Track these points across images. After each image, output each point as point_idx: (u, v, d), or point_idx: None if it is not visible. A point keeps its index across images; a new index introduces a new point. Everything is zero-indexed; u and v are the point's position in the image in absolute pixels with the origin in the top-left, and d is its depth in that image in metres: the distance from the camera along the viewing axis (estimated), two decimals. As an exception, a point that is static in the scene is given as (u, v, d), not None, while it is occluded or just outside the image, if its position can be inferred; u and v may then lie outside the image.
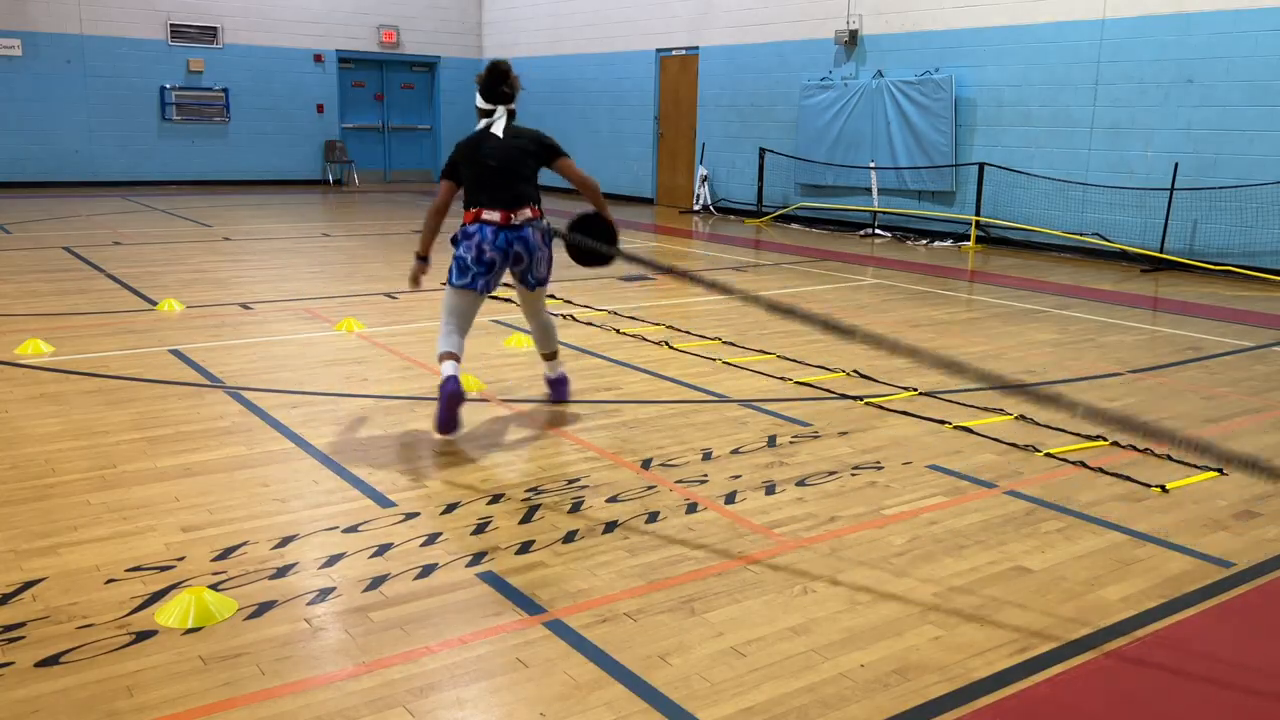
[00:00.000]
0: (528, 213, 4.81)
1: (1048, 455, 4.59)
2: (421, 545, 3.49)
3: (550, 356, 5.26)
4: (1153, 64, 11.11)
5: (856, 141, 14.13)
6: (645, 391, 5.58)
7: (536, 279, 4.94)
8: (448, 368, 4.70)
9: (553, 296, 8.35)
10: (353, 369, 5.91)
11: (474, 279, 4.76)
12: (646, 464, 4.37)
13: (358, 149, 20.65)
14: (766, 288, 9.20)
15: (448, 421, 4.65)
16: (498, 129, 4.84)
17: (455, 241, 4.84)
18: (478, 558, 3.40)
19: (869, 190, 13.96)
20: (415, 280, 4.99)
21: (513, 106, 4.93)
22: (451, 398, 4.62)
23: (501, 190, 4.76)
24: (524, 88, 5.11)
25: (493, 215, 4.74)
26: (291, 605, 3.05)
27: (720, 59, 16.31)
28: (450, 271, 4.82)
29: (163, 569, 3.27)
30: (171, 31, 18.28)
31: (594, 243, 4.79)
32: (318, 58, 19.81)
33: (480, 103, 4.89)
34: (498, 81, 4.85)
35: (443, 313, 4.88)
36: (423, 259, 4.96)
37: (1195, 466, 4.47)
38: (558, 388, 5.33)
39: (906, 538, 3.66)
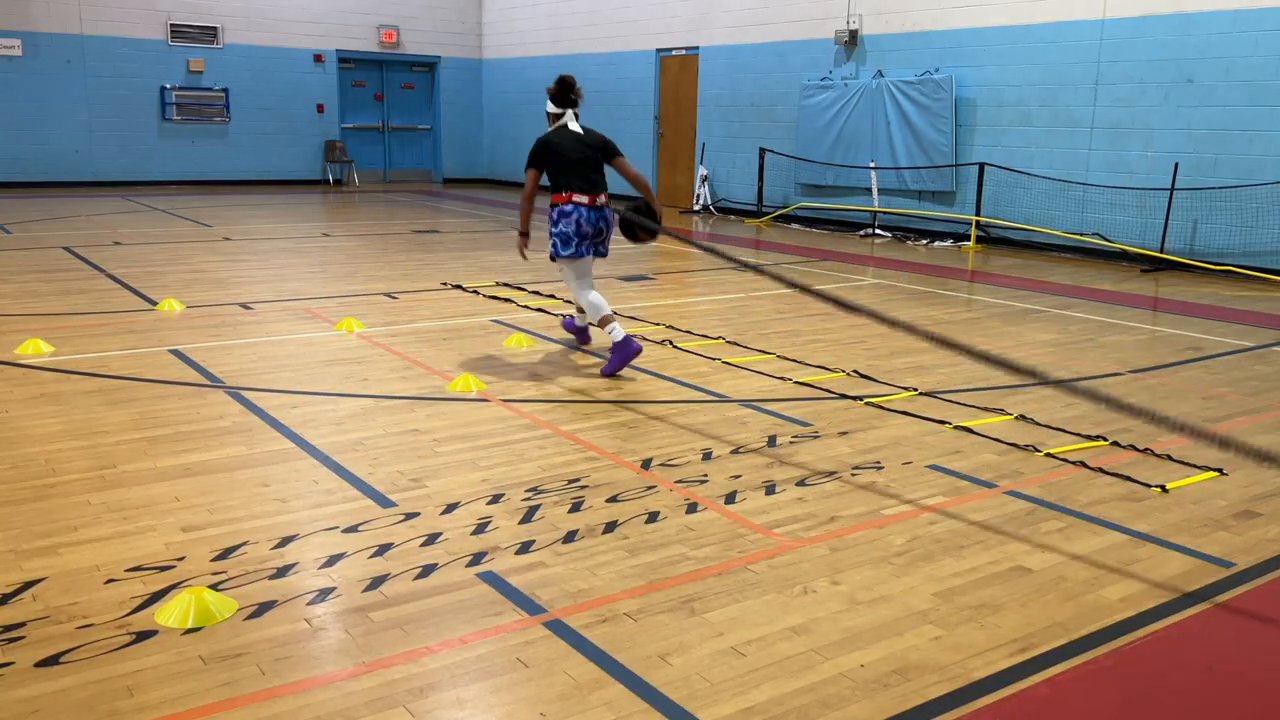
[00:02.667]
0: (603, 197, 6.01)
1: (1048, 455, 4.59)
2: (421, 545, 3.49)
3: (606, 321, 5.97)
4: (1153, 64, 11.11)
5: (856, 141, 14.13)
6: (645, 391, 5.58)
7: (605, 252, 6.17)
8: (617, 331, 5.81)
9: (552, 297, 8.35)
10: (353, 369, 5.91)
11: (578, 248, 5.91)
12: (646, 464, 4.37)
13: (358, 149, 20.66)
14: (767, 288, 9.19)
15: (618, 367, 5.80)
16: (575, 127, 6.10)
17: (553, 221, 5.95)
18: (478, 558, 3.40)
19: (869, 190, 13.96)
20: (522, 252, 6.33)
21: (578, 110, 6.18)
22: (630, 355, 5.75)
23: (588, 177, 5.95)
24: (583, 95, 6.29)
25: (582, 198, 5.91)
26: (291, 605, 3.05)
27: (720, 59, 16.31)
28: (554, 246, 5.93)
29: (163, 569, 3.27)
30: (171, 31, 18.29)
31: (648, 222, 5.97)
32: (318, 58, 19.81)
33: (552, 107, 6.16)
34: (567, 90, 6.14)
35: (571, 281, 6.06)
36: (525, 235, 6.23)
37: (1195, 466, 4.47)
38: (623, 348, 5.86)
39: (906, 538, 3.66)
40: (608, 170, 6.11)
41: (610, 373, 5.80)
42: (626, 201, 6.08)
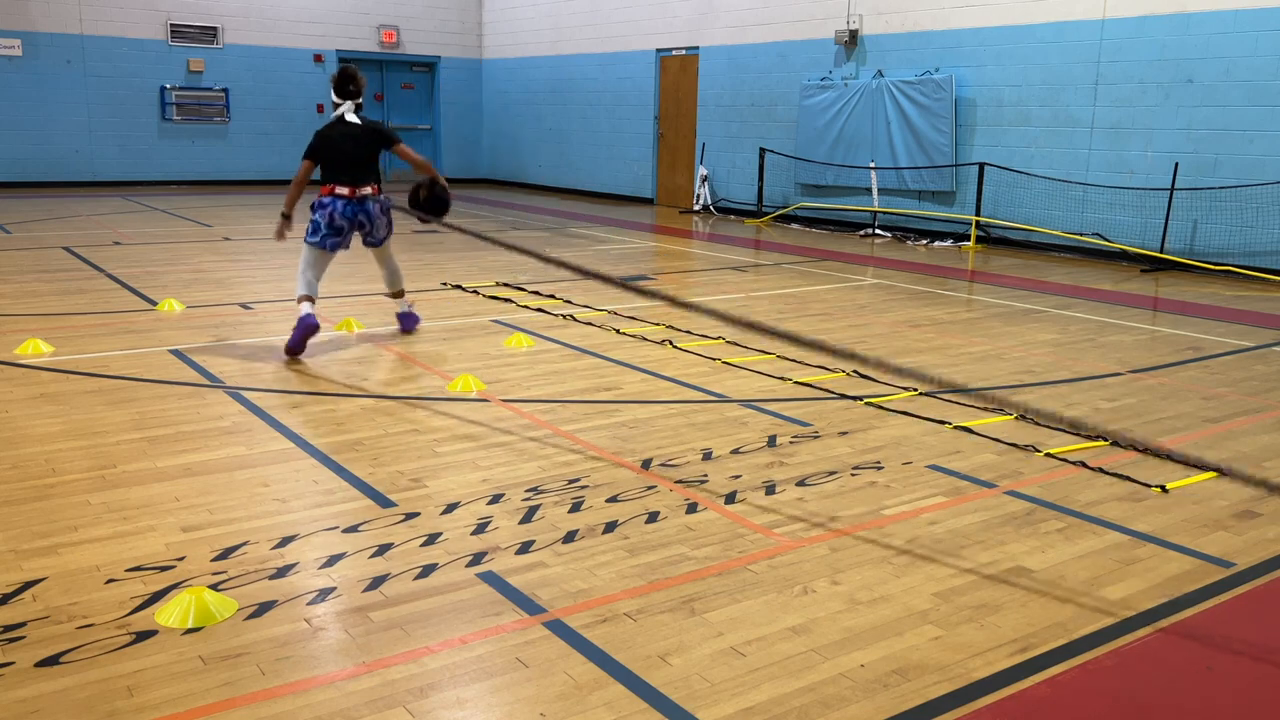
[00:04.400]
0: (368, 190, 6.24)
1: (1048, 455, 4.59)
2: (421, 545, 3.49)
3: (398, 295, 6.75)
4: (1153, 64, 11.11)
5: (856, 141, 14.13)
6: (645, 391, 5.58)
7: (379, 239, 6.45)
8: (305, 307, 6.09)
9: (552, 296, 8.35)
10: (352, 369, 5.91)
11: (324, 239, 6.17)
12: (646, 464, 4.37)
13: (358, 149, 20.63)
14: (767, 288, 9.20)
15: (298, 345, 5.97)
16: (351, 118, 6.27)
17: (313, 208, 6.24)
18: (478, 558, 3.40)
19: (869, 190, 13.96)
20: (280, 232, 6.26)
21: (359, 101, 6.33)
22: (307, 330, 5.98)
23: (353, 169, 6.20)
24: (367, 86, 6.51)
25: (343, 190, 6.17)
26: (291, 605, 3.05)
27: (720, 59, 16.31)
28: (308, 229, 6.23)
29: (163, 569, 3.27)
30: (171, 31, 18.28)
31: (420, 212, 6.33)
32: (318, 58, 19.81)
33: (334, 98, 6.30)
34: (347, 81, 6.28)
35: (302, 263, 6.27)
36: (286, 217, 6.27)
37: (1195, 466, 4.47)
38: (406, 321, 6.76)
39: (906, 538, 3.66)
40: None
41: (291, 346, 6.01)
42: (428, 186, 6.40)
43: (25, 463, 4.22)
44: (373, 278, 9.23)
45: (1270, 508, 4.04)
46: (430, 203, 6.39)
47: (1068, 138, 11.97)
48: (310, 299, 6.14)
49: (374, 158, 6.28)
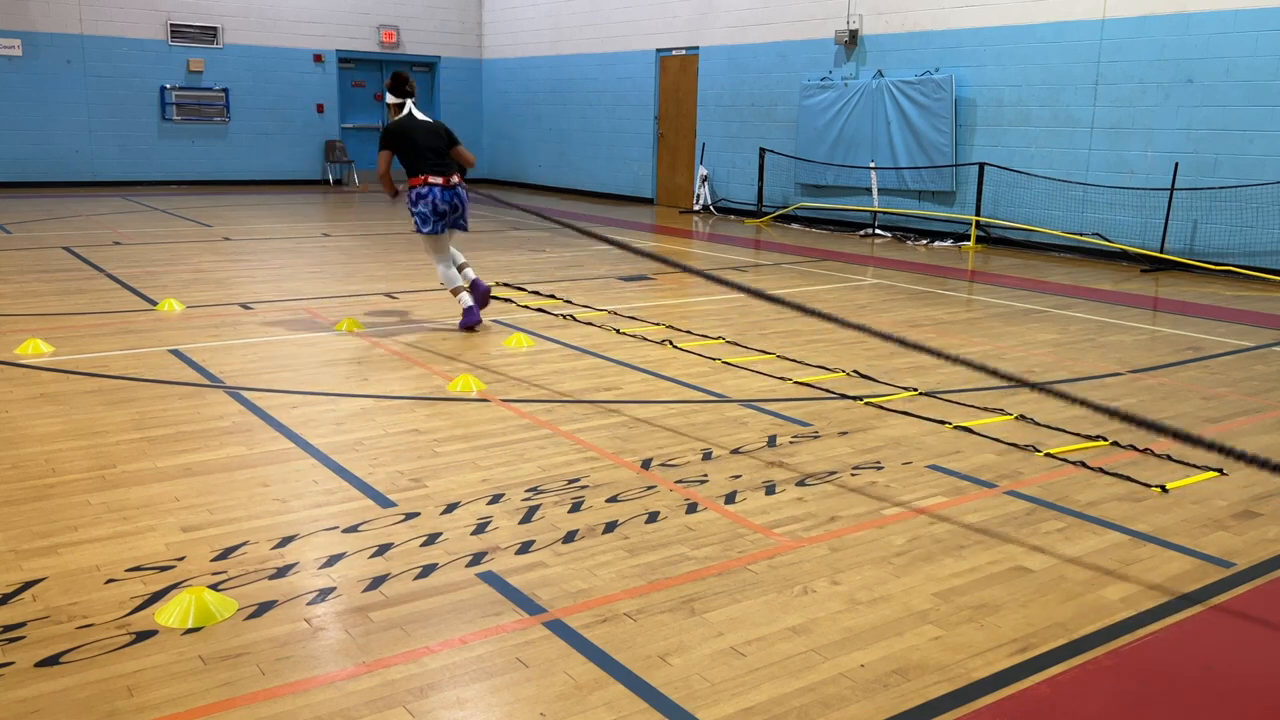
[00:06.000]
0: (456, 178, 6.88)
1: (1048, 455, 4.59)
2: (421, 545, 3.49)
3: (457, 292, 7.07)
4: (1153, 64, 11.11)
5: (856, 141, 14.13)
6: (645, 391, 5.58)
7: (467, 224, 7.06)
8: (465, 299, 6.97)
9: (552, 296, 8.36)
10: (353, 369, 5.91)
11: (435, 224, 6.79)
12: (646, 464, 4.37)
13: (358, 149, 20.64)
14: (767, 288, 9.19)
15: (474, 316, 6.92)
16: (420, 115, 6.92)
17: (411, 201, 6.82)
18: (478, 558, 3.40)
19: (869, 190, 13.96)
20: (394, 188, 6.97)
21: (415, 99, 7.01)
22: (474, 324, 6.92)
23: (439, 161, 6.82)
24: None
25: (437, 179, 6.76)
26: (291, 605, 3.05)
27: (720, 59, 16.31)
28: (416, 223, 6.84)
29: (163, 569, 3.27)
30: (171, 31, 18.28)
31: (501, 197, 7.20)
32: (318, 58, 19.81)
33: (392, 99, 6.92)
34: (402, 82, 6.92)
35: (431, 255, 7.04)
36: (395, 193, 6.99)
37: (1195, 466, 4.47)
38: (468, 315, 6.99)
39: (906, 538, 3.66)
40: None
41: (465, 326, 6.90)
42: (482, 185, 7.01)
43: (25, 463, 4.22)
44: (373, 277, 9.26)
45: (1270, 508, 4.04)
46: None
47: (1068, 138, 11.97)
48: (463, 288, 6.99)
49: (448, 150, 6.88)
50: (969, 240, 12.78)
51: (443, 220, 6.79)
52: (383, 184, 6.86)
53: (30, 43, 17.13)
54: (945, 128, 13.02)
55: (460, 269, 7.18)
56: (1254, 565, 3.51)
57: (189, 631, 2.88)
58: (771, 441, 4.73)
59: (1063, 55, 11.91)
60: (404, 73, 6.98)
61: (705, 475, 4.25)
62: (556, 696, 2.60)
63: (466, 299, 6.93)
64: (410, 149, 6.75)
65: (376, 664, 2.74)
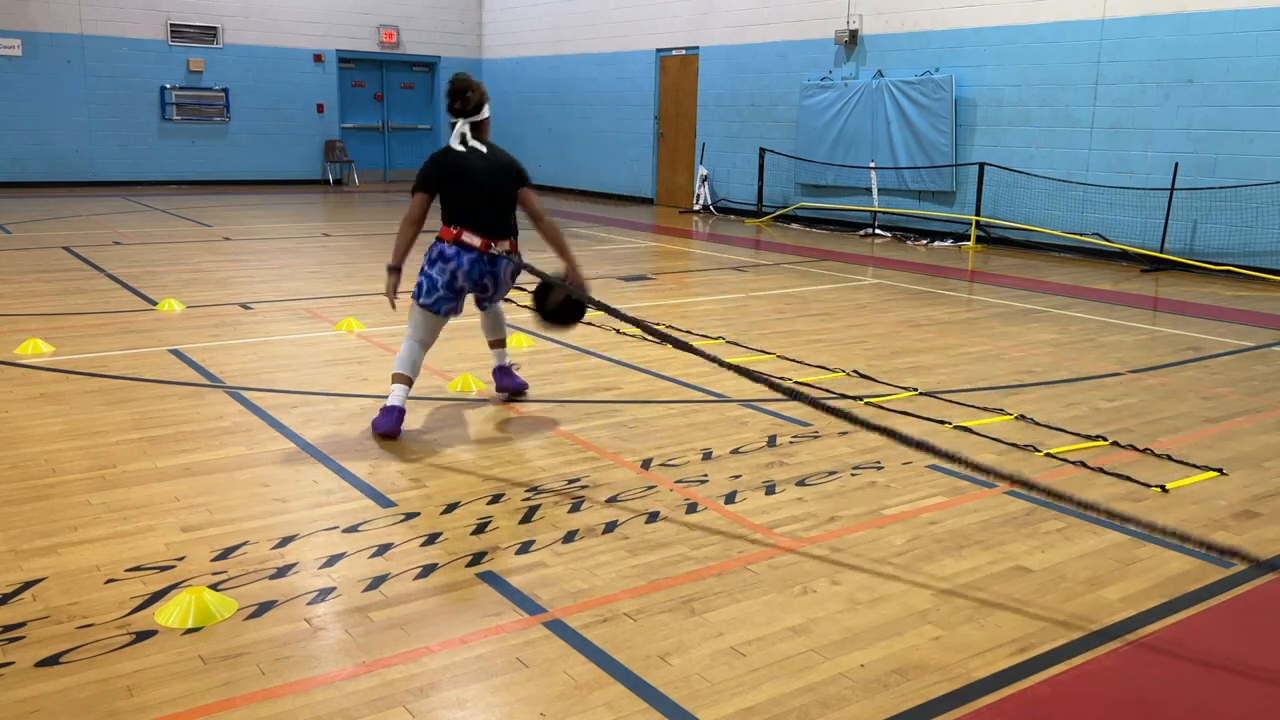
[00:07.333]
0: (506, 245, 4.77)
1: (1048, 455, 4.59)
2: (421, 545, 3.49)
3: (499, 344, 5.31)
4: (1153, 64, 11.11)
5: (856, 141, 14.13)
6: (645, 391, 5.58)
7: (494, 302, 5.08)
8: (397, 392, 4.68)
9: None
10: (353, 369, 5.91)
11: (438, 303, 4.74)
12: (646, 464, 4.37)
13: (358, 149, 20.65)
14: (767, 288, 9.19)
15: (390, 430, 4.59)
16: (475, 143, 4.74)
17: (428, 259, 4.78)
18: (478, 558, 3.40)
19: (869, 190, 13.96)
20: (391, 296, 4.82)
21: (479, 119, 4.76)
22: (395, 418, 4.60)
23: (488, 212, 4.70)
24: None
25: (474, 239, 4.68)
26: (291, 605, 3.05)
27: (720, 59, 16.31)
28: (418, 286, 4.79)
29: (163, 569, 3.27)
30: (171, 31, 18.28)
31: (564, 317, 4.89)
32: (318, 58, 19.81)
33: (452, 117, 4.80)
34: (455, 96, 4.71)
35: (411, 327, 4.84)
36: (396, 270, 4.79)
37: (1195, 466, 4.47)
38: (505, 378, 5.32)
39: (906, 538, 3.66)
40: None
41: (380, 430, 4.60)
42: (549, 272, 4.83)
43: (25, 463, 4.22)
44: (373, 277, 9.24)
45: (1270, 508, 4.04)
46: (565, 310, 4.87)
47: (1068, 138, 11.97)
48: (408, 380, 4.71)
49: (511, 201, 4.75)
50: (969, 240, 12.78)
51: (456, 300, 4.77)
52: (397, 241, 4.72)
53: (30, 43, 17.13)
54: (945, 128, 13.01)
55: (494, 345, 5.30)
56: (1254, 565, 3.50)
57: (189, 631, 2.88)
58: (771, 441, 4.73)
59: (1062, 55, 11.90)
60: (464, 79, 4.71)
61: (705, 475, 4.25)
62: (556, 696, 2.60)
63: (398, 394, 4.66)
64: (449, 190, 4.67)
65: (376, 664, 2.74)
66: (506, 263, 4.77)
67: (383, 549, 3.46)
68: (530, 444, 4.62)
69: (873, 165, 13.82)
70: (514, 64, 20.76)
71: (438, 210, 4.78)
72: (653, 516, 3.79)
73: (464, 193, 4.66)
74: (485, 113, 4.76)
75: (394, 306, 4.93)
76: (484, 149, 4.74)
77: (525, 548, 3.49)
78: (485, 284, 4.79)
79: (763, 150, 15.26)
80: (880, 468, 4.40)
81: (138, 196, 16.59)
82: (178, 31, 18.34)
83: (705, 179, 16.50)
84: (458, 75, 4.77)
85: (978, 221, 12.66)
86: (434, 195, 4.71)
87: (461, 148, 4.70)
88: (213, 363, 5.95)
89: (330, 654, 2.78)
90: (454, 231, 4.68)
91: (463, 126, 4.71)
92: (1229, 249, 10.68)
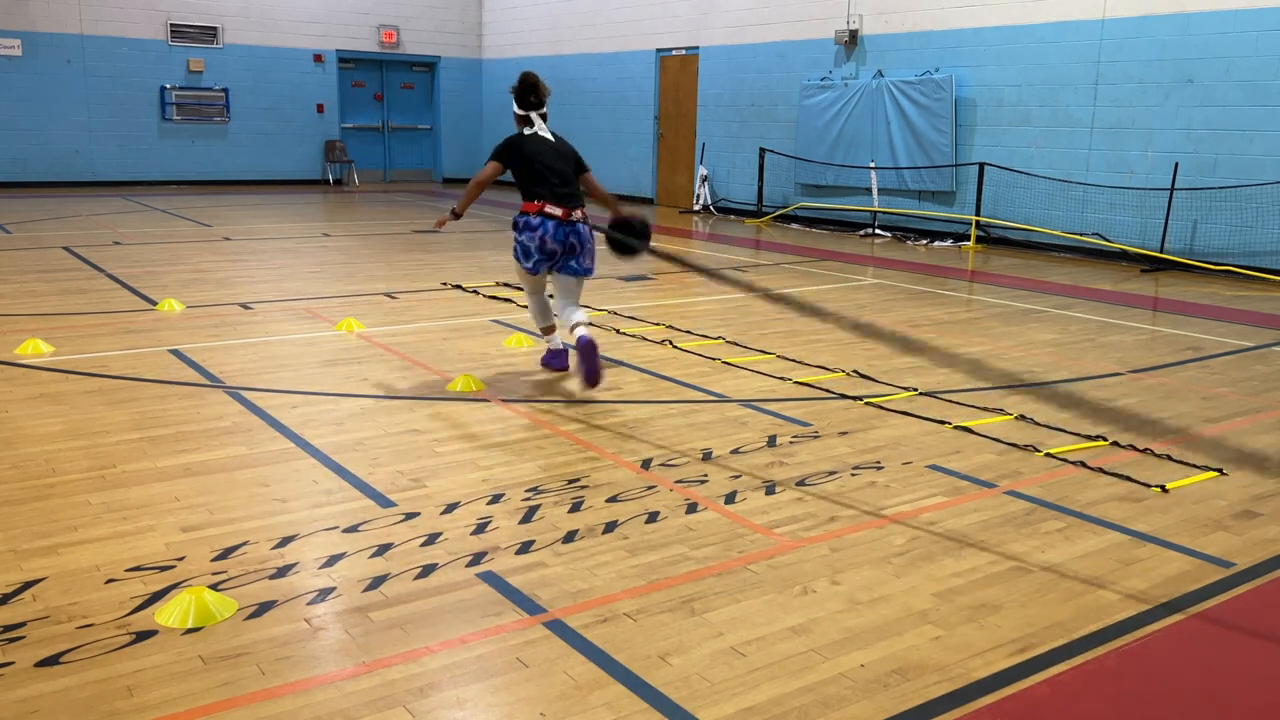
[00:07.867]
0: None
1: (1048, 455, 4.59)
2: (421, 545, 3.49)
3: (550, 330, 6.00)
4: (1153, 64, 11.11)
5: (856, 141, 14.13)
6: (645, 391, 5.58)
7: (587, 268, 5.64)
8: (555, 341, 5.89)
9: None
10: (353, 369, 5.91)
11: (535, 264, 5.53)
12: (646, 464, 4.37)
13: (358, 149, 20.66)
14: (767, 288, 9.19)
15: (592, 374, 5.28)
16: (545, 133, 5.61)
17: (517, 227, 5.56)
18: (478, 558, 3.40)
19: (869, 190, 13.96)
20: (440, 222, 5.72)
21: (544, 112, 5.67)
22: (572, 355, 5.61)
23: (563, 189, 5.51)
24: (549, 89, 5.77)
25: (555, 210, 5.45)
26: (291, 605, 3.05)
27: (720, 59, 16.31)
28: (515, 252, 5.63)
29: (163, 569, 3.27)
30: (171, 31, 18.28)
31: (632, 239, 5.59)
32: (318, 58, 19.81)
33: (518, 109, 5.63)
34: (528, 91, 5.58)
35: (525, 289, 5.93)
36: (457, 215, 5.66)
37: (1195, 466, 4.47)
38: (556, 360, 5.96)
39: (906, 538, 3.66)
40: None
41: (545, 363, 5.90)
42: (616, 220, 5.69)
43: (25, 463, 4.22)
44: (373, 277, 9.24)
45: (1270, 508, 4.05)
46: (637, 231, 5.65)
47: (1068, 138, 11.97)
48: (551, 329, 5.90)
49: (576, 179, 5.62)
50: (969, 240, 12.78)
51: (549, 261, 5.48)
52: (467, 192, 5.47)
53: (30, 43, 17.13)
54: (945, 128, 13.02)
55: (571, 325, 5.56)
56: (1254, 565, 3.51)
57: (189, 631, 2.88)
58: (771, 441, 4.73)
59: (1062, 55, 11.91)
60: (532, 76, 5.58)
61: (705, 475, 4.25)
62: (556, 696, 2.60)
63: (557, 341, 5.88)
64: (528, 169, 5.45)
65: (376, 664, 2.74)
66: (584, 225, 5.58)
67: (383, 549, 3.46)
68: (530, 444, 4.62)
69: (873, 165, 13.82)
70: (514, 64, 20.74)
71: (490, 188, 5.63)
72: (653, 516, 3.79)
73: (544, 171, 5.46)
74: (546, 106, 5.70)
75: (438, 229, 5.94)
76: (551, 137, 5.61)
77: (525, 548, 3.49)
78: (572, 244, 5.50)
79: (763, 150, 15.27)
80: (880, 468, 4.40)
81: (138, 196, 16.59)
82: (178, 31, 18.34)
83: (705, 179, 16.50)
84: (529, 73, 5.65)
85: (978, 221, 12.66)
86: (506, 167, 5.53)
87: (538, 133, 5.58)
88: (213, 363, 5.95)
89: (330, 654, 2.78)
90: (536, 205, 5.45)
91: (535, 116, 5.60)
92: (1229, 249, 10.68)
